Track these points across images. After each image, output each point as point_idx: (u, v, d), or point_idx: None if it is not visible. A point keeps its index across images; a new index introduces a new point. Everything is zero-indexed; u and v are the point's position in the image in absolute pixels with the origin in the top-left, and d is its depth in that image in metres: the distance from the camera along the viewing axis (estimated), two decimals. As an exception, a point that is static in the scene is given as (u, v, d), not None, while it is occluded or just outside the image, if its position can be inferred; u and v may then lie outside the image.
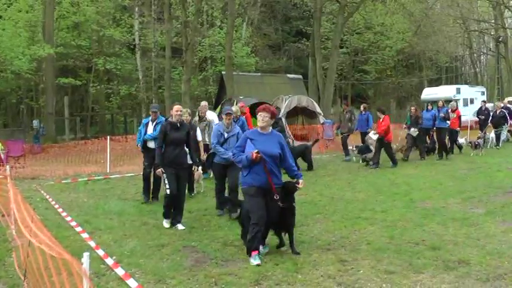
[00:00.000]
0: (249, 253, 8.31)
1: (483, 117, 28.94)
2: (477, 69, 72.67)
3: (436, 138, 24.03)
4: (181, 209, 11.00)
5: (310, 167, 20.31)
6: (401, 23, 52.36)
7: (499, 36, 54.47)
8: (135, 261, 8.37)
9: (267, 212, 8.40)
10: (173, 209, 10.96)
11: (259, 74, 45.62)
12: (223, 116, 11.94)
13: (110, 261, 8.24)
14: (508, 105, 30.09)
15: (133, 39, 47.00)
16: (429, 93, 44.71)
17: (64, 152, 27.83)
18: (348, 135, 24.28)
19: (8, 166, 12.46)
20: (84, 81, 45.73)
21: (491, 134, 27.66)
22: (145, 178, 14.11)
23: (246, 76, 42.58)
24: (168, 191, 10.63)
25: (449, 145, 24.21)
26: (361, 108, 25.53)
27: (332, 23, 49.55)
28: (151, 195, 14.09)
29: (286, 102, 29.78)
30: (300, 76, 46.50)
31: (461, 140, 25.55)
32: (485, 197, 13.15)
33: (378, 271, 7.60)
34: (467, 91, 44.62)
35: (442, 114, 23.10)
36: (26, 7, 36.65)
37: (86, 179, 18.94)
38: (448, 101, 26.65)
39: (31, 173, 20.77)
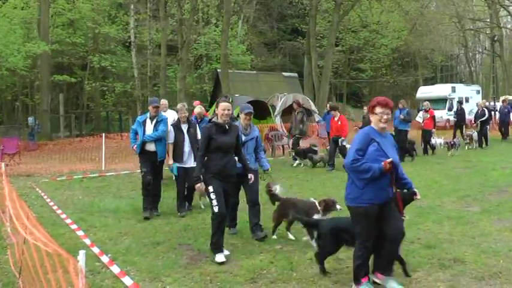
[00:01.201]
0: (357, 281, 6.80)
1: (458, 117, 28.90)
2: (472, 68, 72.87)
3: (395, 141, 23.23)
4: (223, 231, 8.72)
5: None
6: (397, 22, 52.45)
7: (494, 35, 54.50)
8: (131, 259, 8.37)
9: (387, 231, 6.73)
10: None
11: (254, 72, 45.70)
12: (241, 116, 9.84)
13: (105, 258, 8.23)
14: (487, 105, 29.96)
15: (129, 37, 46.90)
16: (424, 91, 44.80)
17: (59, 149, 27.80)
18: (299, 137, 22.16)
19: (3, 163, 12.42)
20: (80, 78, 45.64)
21: (474, 134, 27.26)
22: (146, 186, 11.93)
23: (242, 74, 42.66)
24: (216, 209, 8.27)
25: (423, 146, 24.36)
26: (327, 107, 25.01)
27: (328, 21, 49.59)
28: (146, 207, 11.95)
29: (282, 100, 29.81)
30: (296, 74, 46.60)
31: (437, 141, 25.24)
32: (480, 195, 13.17)
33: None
34: (463, 90, 44.68)
35: (401, 116, 22.34)
36: (21, 4, 36.61)
37: (81, 176, 18.90)
38: (429, 101, 26.41)
39: (26, 170, 20.75)
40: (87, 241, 9.34)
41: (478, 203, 12.28)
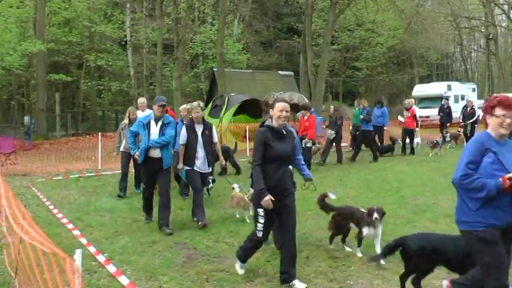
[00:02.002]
0: None
1: (443, 114, 28.57)
2: (468, 66, 72.95)
3: (357, 141, 22.70)
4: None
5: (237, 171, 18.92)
6: (393, 20, 52.42)
7: (489, 33, 54.59)
8: (127, 258, 8.39)
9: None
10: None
11: (250, 70, 45.64)
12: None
13: (101, 258, 8.23)
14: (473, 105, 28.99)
15: (125, 36, 46.86)
16: (420, 90, 44.88)
17: (55, 149, 27.77)
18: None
19: (-1, 163, 12.42)
20: (76, 77, 45.55)
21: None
22: (147, 201, 11.15)
23: (238, 73, 42.61)
24: (259, 235, 7.22)
25: (402, 144, 24.16)
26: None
27: (323, 19, 49.52)
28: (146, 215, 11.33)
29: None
30: (292, 73, 46.54)
31: (415, 140, 24.88)
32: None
33: (369, 267, 7.64)
34: (458, 88, 44.74)
35: (361, 116, 21.92)
36: (17, 2, 36.51)
37: (77, 175, 18.88)
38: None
39: (22, 170, 20.71)
40: (84, 240, 9.35)
41: (473, 200, 12.31)
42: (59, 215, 11.66)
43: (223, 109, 27.73)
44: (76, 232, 10.03)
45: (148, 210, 11.21)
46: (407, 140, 24.17)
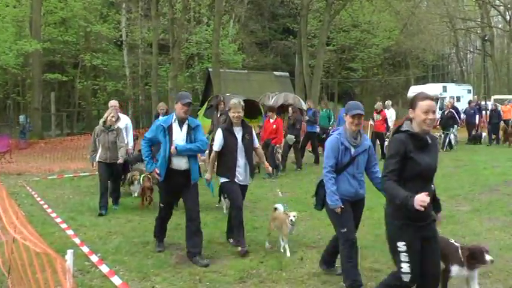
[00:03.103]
0: None
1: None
2: (463, 67, 73.09)
3: (302, 144, 21.12)
4: None
5: None
6: (388, 21, 52.46)
7: (485, 34, 54.61)
8: (120, 259, 8.40)
9: None
10: None
11: (246, 71, 45.65)
12: (349, 119, 6.89)
13: (94, 258, 8.24)
14: (455, 106, 28.59)
15: (121, 36, 46.90)
16: (416, 91, 44.83)
17: (50, 148, 27.77)
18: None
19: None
20: (71, 77, 45.54)
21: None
22: (164, 221, 9.19)
23: (233, 73, 42.63)
24: (406, 279, 5.39)
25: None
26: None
27: (319, 20, 49.53)
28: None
29: (273, 99, 29.83)
30: (287, 73, 46.59)
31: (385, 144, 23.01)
32: (471, 194, 13.26)
33: (363, 269, 7.64)
34: (454, 89, 44.85)
35: (306, 117, 21.35)
36: (13, 2, 36.50)
37: (72, 175, 18.87)
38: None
39: (17, 169, 20.71)
40: (77, 240, 9.35)
41: (469, 202, 12.38)
42: (53, 215, 11.66)
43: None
44: (70, 232, 10.02)
45: (162, 236, 9.20)
46: (380, 144, 22.90)
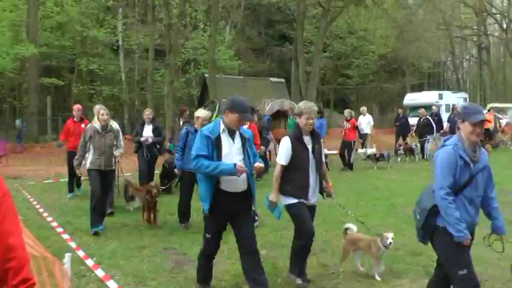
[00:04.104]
0: None
1: (399, 124, 27.47)
2: (459, 75, 73.23)
3: None
4: None
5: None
6: (384, 29, 52.61)
7: (482, 42, 54.93)
8: (116, 263, 8.42)
9: None
10: None
11: (242, 77, 45.67)
12: (468, 126, 5.41)
13: (90, 262, 8.25)
14: (438, 113, 27.67)
15: (117, 40, 46.92)
16: (411, 98, 45.00)
17: (46, 152, 27.79)
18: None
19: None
20: (67, 81, 45.53)
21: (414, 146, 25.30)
22: (210, 259, 7.26)
23: (229, 79, 42.63)
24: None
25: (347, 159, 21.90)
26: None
27: (315, 27, 49.70)
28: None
29: (269, 105, 29.87)
30: (283, 80, 46.59)
31: (360, 151, 23.17)
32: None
33: (358, 276, 7.69)
34: (450, 97, 44.87)
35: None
36: (10, 6, 36.48)
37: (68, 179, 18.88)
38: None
39: (13, 173, 20.69)
40: (73, 244, 9.35)
41: (464, 210, 12.34)
42: (49, 219, 11.67)
43: (214, 115, 27.76)
44: (65, 236, 10.02)
45: (209, 279, 7.35)
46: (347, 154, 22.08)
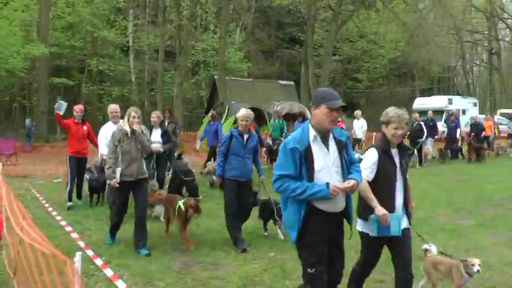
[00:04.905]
0: None
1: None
2: (469, 80, 73.04)
3: None
4: None
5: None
6: (395, 32, 52.46)
7: (492, 47, 54.66)
8: (124, 263, 8.42)
9: None
10: None
11: (251, 79, 45.76)
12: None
13: (99, 261, 8.26)
14: (433, 118, 26.55)
15: (127, 41, 47.16)
16: (421, 103, 44.79)
17: (56, 152, 27.84)
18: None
19: (0, 164, 12.36)
20: (77, 81, 45.74)
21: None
22: None
23: (238, 81, 42.74)
24: None
25: None
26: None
27: (325, 30, 49.69)
28: None
29: (278, 108, 29.88)
30: (292, 82, 46.69)
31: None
32: (475, 208, 13.17)
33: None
34: (459, 102, 44.67)
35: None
36: (21, 6, 36.64)
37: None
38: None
39: (22, 171, 20.75)
40: (82, 243, 9.36)
41: (473, 216, 12.29)
42: (58, 217, 11.70)
43: (224, 117, 27.79)
44: (74, 235, 10.04)
45: None
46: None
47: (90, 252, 8.70)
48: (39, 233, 5.53)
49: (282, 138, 20.02)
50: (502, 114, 38.12)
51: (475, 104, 46.41)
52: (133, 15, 47.93)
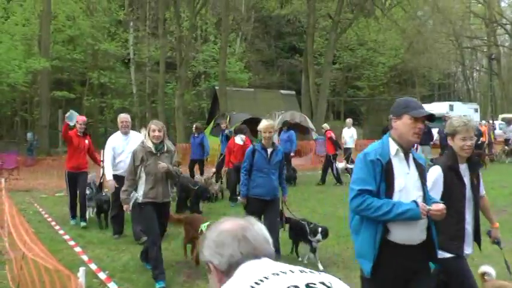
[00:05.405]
0: None
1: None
2: (470, 86, 73.05)
3: (217, 168, 18.63)
4: None
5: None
6: (394, 40, 52.59)
7: (492, 53, 54.73)
8: (128, 276, 8.42)
9: None
10: None
11: (252, 89, 45.78)
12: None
13: (102, 275, 8.23)
14: (427, 124, 26.02)
15: (128, 54, 47.22)
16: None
17: (57, 165, 27.76)
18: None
19: (3, 179, 12.34)
20: (79, 94, 45.82)
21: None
22: None
23: (239, 91, 42.75)
24: None
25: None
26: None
27: (325, 39, 49.71)
28: None
29: (279, 118, 29.91)
30: (293, 92, 46.66)
31: (339, 165, 21.39)
32: (478, 214, 13.12)
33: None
34: (460, 108, 44.67)
35: (221, 137, 19.17)
36: (22, 21, 36.82)
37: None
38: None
39: (24, 186, 20.79)
40: (85, 257, 9.35)
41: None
42: (61, 232, 11.70)
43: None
44: (77, 249, 10.03)
45: None
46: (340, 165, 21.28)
47: (93, 266, 8.69)
48: (42, 248, 5.56)
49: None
50: (503, 119, 38.02)
51: (476, 110, 46.47)
52: (133, 27, 48.06)
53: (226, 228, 2.35)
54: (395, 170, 4.52)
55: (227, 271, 2.27)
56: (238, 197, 13.63)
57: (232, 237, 2.30)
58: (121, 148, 11.21)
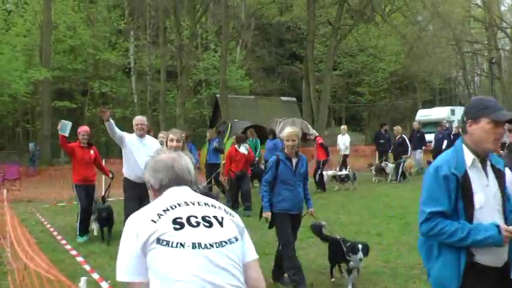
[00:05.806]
0: None
1: (383, 141, 24.62)
2: (471, 90, 72.98)
3: (206, 176, 18.58)
4: None
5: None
6: (394, 45, 52.62)
7: (492, 57, 54.71)
8: (130, 285, 8.37)
9: None
10: None
11: (253, 96, 45.88)
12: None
13: (105, 285, 8.22)
14: (420, 129, 26.04)
15: (129, 63, 47.31)
16: (423, 114, 44.75)
17: (59, 175, 27.82)
18: None
19: (4, 190, 12.33)
20: (80, 104, 45.87)
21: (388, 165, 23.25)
22: None
23: (240, 99, 42.87)
24: None
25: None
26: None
27: (325, 45, 49.78)
28: None
29: (281, 125, 29.92)
30: (294, 99, 46.78)
31: (329, 173, 21.16)
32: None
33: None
34: (462, 112, 44.59)
35: (212, 146, 18.57)
36: (23, 31, 36.95)
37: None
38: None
39: (27, 196, 20.79)
40: (87, 267, 9.34)
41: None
42: (63, 241, 11.70)
43: (226, 135, 27.83)
44: (80, 258, 10.01)
45: None
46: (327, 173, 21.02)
47: (95, 276, 8.67)
48: (44, 258, 5.57)
49: (256, 158, 19.19)
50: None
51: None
52: (134, 36, 48.15)
53: (161, 158, 3.23)
54: (473, 184, 3.88)
55: (159, 190, 3.16)
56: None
57: (164, 165, 3.17)
58: (136, 146, 10.75)
